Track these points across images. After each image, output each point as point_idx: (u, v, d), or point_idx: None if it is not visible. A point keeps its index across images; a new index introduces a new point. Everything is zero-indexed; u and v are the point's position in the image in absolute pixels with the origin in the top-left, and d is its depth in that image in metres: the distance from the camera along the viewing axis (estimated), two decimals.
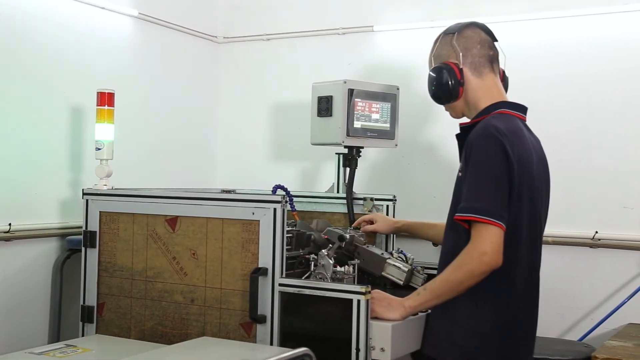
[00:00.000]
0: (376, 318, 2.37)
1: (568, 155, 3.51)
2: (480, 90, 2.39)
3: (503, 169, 2.18)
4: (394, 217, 3.21)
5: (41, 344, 2.96)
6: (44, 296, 3.36)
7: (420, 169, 3.89)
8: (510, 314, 2.28)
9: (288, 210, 2.61)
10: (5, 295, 3.20)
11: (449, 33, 2.46)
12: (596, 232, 3.45)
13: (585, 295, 3.48)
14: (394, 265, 2.84)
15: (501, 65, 2.51)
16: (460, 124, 2.43)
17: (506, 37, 3.56)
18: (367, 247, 2.93)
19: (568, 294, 3.50)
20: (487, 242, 2.14)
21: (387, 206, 3.22)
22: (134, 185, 3.41)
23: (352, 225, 3.09)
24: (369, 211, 3.24)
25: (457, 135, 2.45)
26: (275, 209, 2.55)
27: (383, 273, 2.84)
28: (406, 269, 2.81)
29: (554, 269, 3.45)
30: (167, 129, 4.10)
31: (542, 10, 3.57)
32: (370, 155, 3.88)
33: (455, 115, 2.50)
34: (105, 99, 3.12)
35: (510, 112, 2.36)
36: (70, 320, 3.31)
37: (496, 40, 2.48)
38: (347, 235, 2.88)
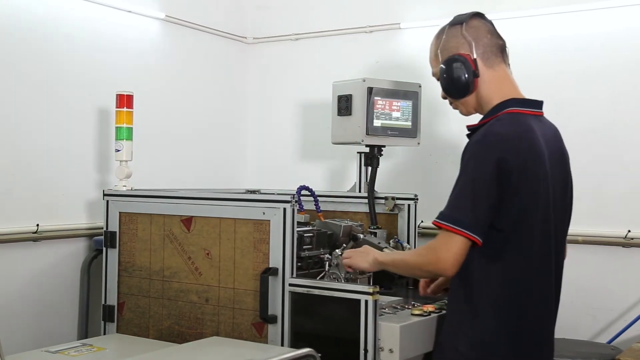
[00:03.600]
0: (350, 267, 2.52)
1: (597, 152, 3.41)
2: (493, 83, 2.28)
3: (490, 179, 2.09)
4: (415, 216, 3.16)
5: None
6: (72, 296, 3.43)
7: (447, 168, 3.81)
8: (513, 324, 2.18)
9: (309, 211, 2.57)
10: (34, 295, 3.28)
11: (455, 24, 2.35)
12: (629, 230, 3.34)
13: (617, 296, 3.37)
14: None
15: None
16: (468, 126, 2.32)
17: (532, 31, 3.56)
18: (365, 237, 2.89)
19: (600, 295, 3.40)
20: (446, 252, 2.10)
21: (409, 205, 3.17)
22: (164, 186, 3.44)
23: None
24: (391, 210, 3.19)
25: (468, 136, 2.34)
26: (285, 209, 2.54)
27: None
28: None
29: (585, 269, 3.36)
30: (196, 129, 4.14)
31: (568, 3, 3.47)
32: (396, 153, 3.84)
33: (467, 111, 2.38)
34: (124, 101, 3.15)
35: (520, 110, 2.24)
36: (98, 320, 3.35)
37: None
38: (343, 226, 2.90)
